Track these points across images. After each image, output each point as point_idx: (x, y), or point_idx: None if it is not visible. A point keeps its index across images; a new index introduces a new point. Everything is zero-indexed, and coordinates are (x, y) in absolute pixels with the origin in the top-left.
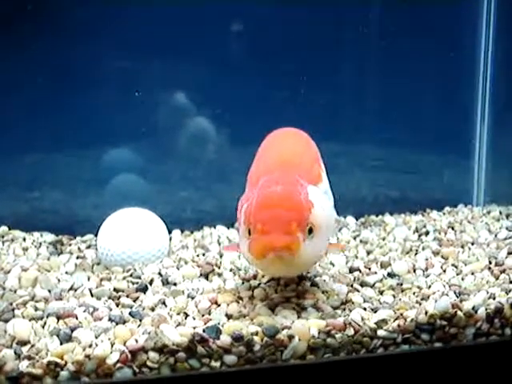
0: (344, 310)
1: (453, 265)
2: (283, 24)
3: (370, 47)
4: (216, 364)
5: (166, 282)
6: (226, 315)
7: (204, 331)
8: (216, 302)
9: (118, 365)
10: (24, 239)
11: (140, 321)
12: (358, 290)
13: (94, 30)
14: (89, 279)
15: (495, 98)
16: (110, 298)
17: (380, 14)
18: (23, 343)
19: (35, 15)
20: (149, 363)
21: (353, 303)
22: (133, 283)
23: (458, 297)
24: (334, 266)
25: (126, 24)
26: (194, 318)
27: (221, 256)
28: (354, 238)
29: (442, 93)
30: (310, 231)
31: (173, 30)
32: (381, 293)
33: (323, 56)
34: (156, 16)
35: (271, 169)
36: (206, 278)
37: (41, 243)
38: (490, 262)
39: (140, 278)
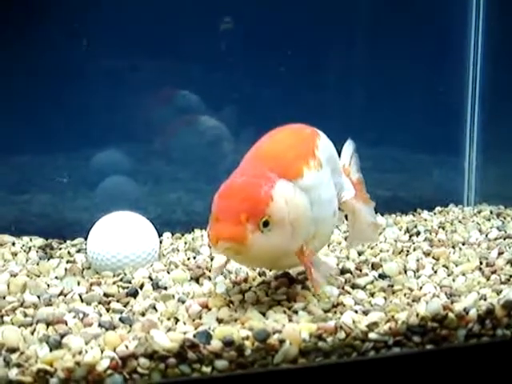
0: (335, 312)
1: (444, 266)
2: (270, 25)
3: (358, 46)
4: (207, 369)
5: (156, 287)
6: (217, 319)
7: (194, 336)
8: (207, 306)
9: (109, 371)
10: (13, 244)
11: (130, 326)
12: (349, 293)
13: (83, 30)
14: (79, 284)
15: (485, 98)
16: (100, 303)
17: (369, 13)
18: (12, 350)
19: (21, 15)
20: (139, 369)
21: (344, 306)
22: (123, 288)
23: (448, 298)
24: None
25: (114, 24)
26: (185, 323)
27: (211, 259)
28: (345, 239)
29: (432, 92)
30: (266, 224)
31: (163, 29)
32: (372, 295)
33: (311, 55)
34: (145, 15)
35: (246, 161)
36: (197, 281)
37: (30, 248)
38: (481, 263)
39: (130, 282)
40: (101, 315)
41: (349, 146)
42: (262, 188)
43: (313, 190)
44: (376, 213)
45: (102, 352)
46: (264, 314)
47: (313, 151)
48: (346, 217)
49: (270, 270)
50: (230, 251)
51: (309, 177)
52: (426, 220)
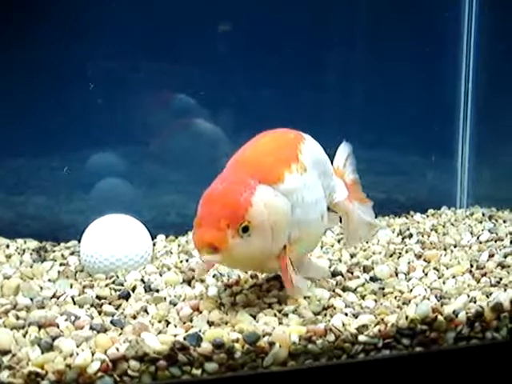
0: (325, 315)
1: (435, 268)
2: (269, 24)
3: (353, 50)
4: (197, 372)
5: (148, 289)
6: (208, 322)
7: (185, 339)
8: (198, 309)
9: (99, 374)
10: (7, 246)
11: (121, 329)
12: (339, 295)
13: (82, 33)
14: (71, 287)
15: (478, 101)
16: (92, 305)
17: (365, 15)
18: (4, 353)
19: (21, 15)
20: (130, 372)
21: (334, 308)
22: (115, 290)
23: (438, 301)
24: None
25: (112, 26)
26: (176, 326)
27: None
28: (338, 241)
29: (425, 95)
30: (246, 229)
31: (161, 31)
32: (362, 297)
33: (307, 58)
34: (144, 17)
35: (229, 167)
36: (189, 284)
37: (24, 250)
38: (472, 266)
39: (123, 285)
40: (92, 318)
41: (344, 148)
42: (241, 194)
43: (295, 194)
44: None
45: (92, 354)
46: (255, 317)
47: (296, 155)
48: (341, 219)
49: (262, 273)
50: (212, 261)
51: (290, 181)
52: (418, 222)
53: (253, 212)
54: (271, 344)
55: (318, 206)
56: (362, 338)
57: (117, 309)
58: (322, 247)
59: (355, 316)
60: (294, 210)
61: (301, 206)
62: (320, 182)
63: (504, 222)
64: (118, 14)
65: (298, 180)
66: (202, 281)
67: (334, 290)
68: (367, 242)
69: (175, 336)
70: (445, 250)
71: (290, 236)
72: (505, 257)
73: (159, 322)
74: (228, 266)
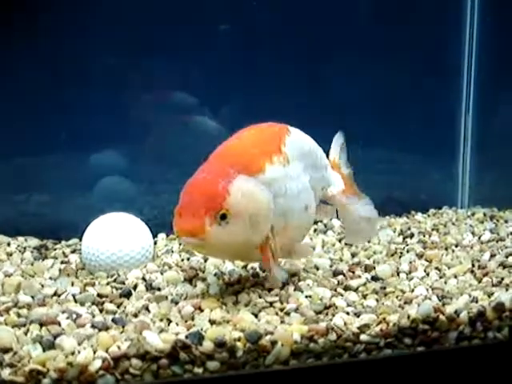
0: (327, 314)
1: (436, 268)
2: (271, 22)
3: (355, 48)
4: (199, 370)
5: (149, 287)
6: (210, 321)
7: (187, 337)
8: (200, 308)
9: (101, 372)
10: (8, 244)
11: (123, 327)
12: (341, 294)
13: (82, 32)
14: (73, 285)
15: (480, 101)
16: (93, 303)
17: (366, 15)
18: (5, 350)
19: (21, 15)
20: (131, 370)
21: (336, 307)
22: (117, 288)
23: (440, 300)
24: (318, 269)
25: (112, 25)
26: (177, 324)
27: (205, 260)
28: (339, 241)
29: (427, 94)
30: (224, 217)
31: (162, 30)
32: (364, 297)
33: (308, 57)
34: (144, 14)
35: (210, 159)
36: (190, 282)
37: (25, 248)
38: (473, 265)
39: (124, 283)
40: (94, 316)
41: (337, 140)
42: (219, 183)
43: (277, 184)
44: None
45: (94, 353)
46: (256, 316)
47: (278, 147)
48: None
49: (264, 271)
50: (192, 243)
51: (271, 172)
52: (419, 222)
53: (231, 200)
54: (273, 343)
55: (301, 196)
56: (363, 337)
57: (118, 307)
58: (323, 246)
59: (357, 315)
60: (276, 200)
61: (283, 196)
62: (306, 174)
63: (505, 222)
64: (118, 12)
65: (280, 171)
66: (204, 279)
67: (335, 289)
68: (369, 242)
69: (177, 334)
70: (446, 249)
71: (274, 226)
72: (506, 257)
73: (161, 320)
74: (209, 255)
